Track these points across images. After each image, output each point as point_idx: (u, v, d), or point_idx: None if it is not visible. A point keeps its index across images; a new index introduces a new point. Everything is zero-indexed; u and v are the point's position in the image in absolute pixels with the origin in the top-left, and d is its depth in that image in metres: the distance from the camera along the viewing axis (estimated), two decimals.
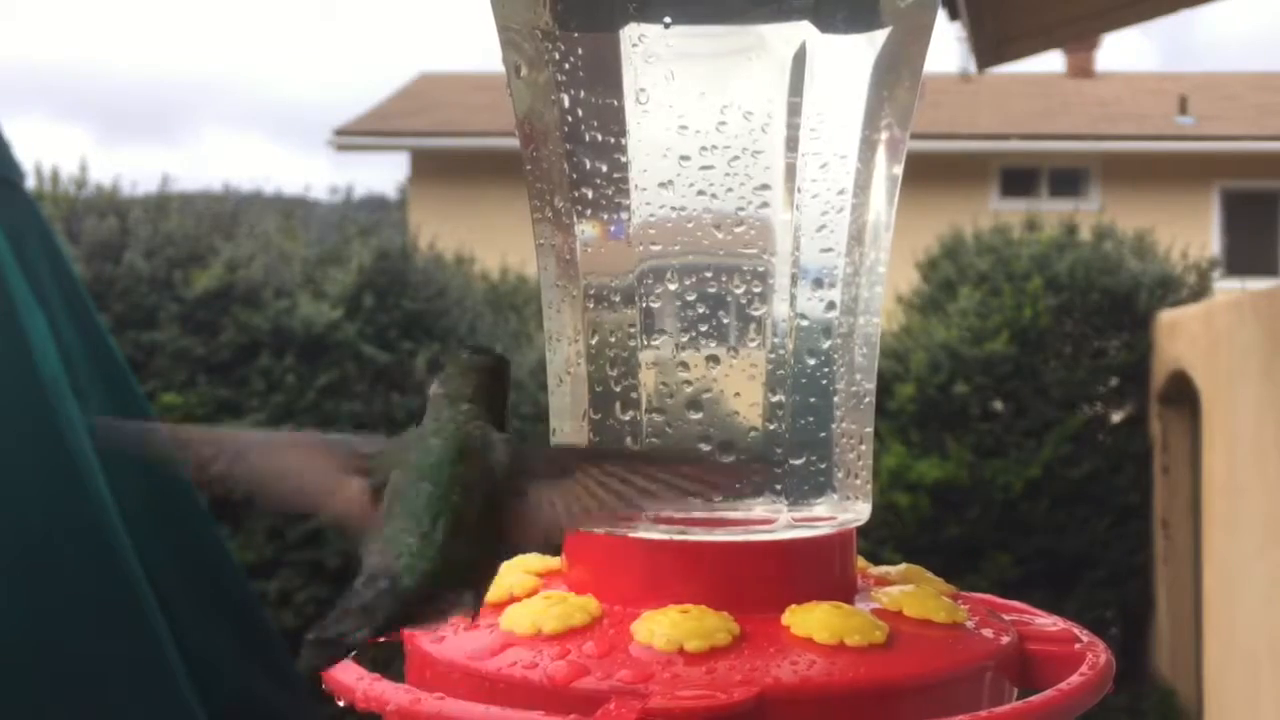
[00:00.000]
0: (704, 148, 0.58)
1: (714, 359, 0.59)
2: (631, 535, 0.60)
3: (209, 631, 2.79)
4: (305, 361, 6.15)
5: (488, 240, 8.12)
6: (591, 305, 0.61)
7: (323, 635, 0.45)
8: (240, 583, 3.24)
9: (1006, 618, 0.63)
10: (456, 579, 0.48)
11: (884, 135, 0.63)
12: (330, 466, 0.52)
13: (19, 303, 2.55)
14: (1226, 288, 7.79)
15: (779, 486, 0.60)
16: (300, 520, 6.06)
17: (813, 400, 0.61)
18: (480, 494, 0.49)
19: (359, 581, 0.48)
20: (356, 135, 13.78)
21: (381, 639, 0.49)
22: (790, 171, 0.59)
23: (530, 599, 0.59)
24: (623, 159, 0.59)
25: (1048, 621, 0.63)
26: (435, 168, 13.36)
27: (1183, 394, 5.54)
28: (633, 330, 0.60)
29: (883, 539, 5.85)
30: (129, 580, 2.56)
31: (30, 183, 3.88)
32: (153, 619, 2.57)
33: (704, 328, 0.59)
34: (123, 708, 2.53)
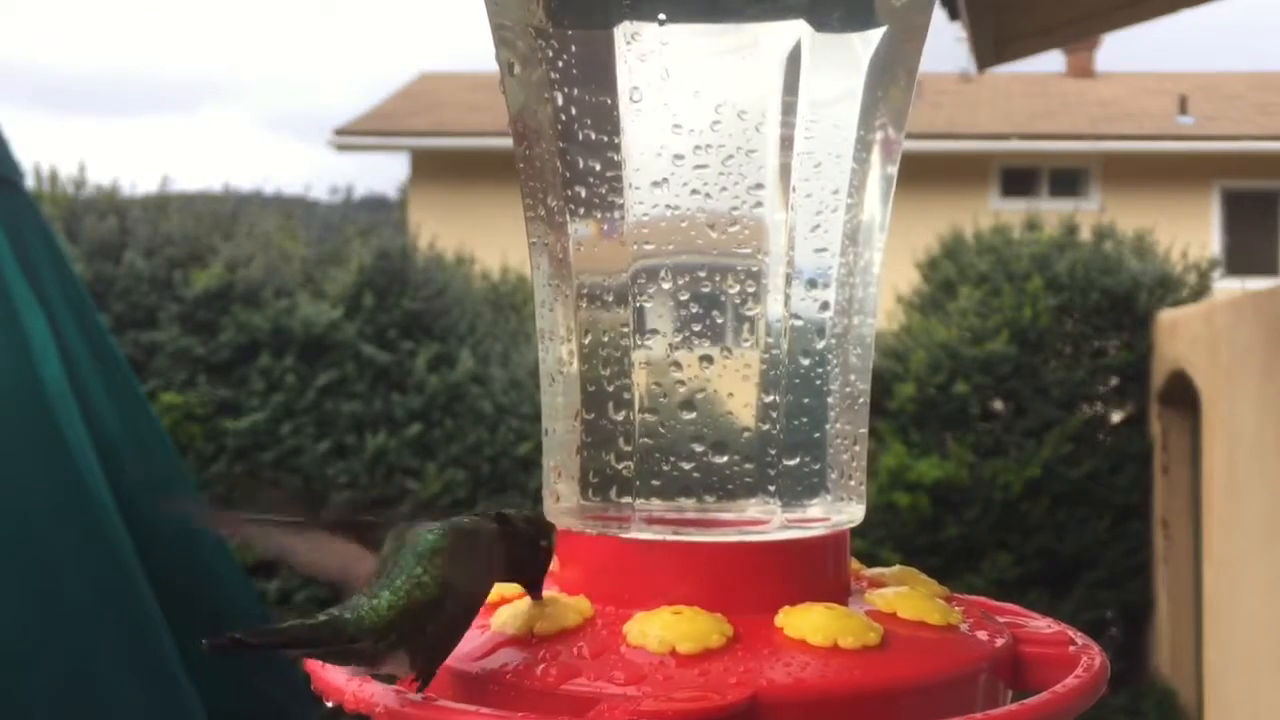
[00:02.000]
0: (698, 147, 0.58)
1: (707, 359, 0.59)
2: (624, 536, 0.59)
3: (209, 632, 2.79)
4: (305, 361, 6.15)
5: (488, 240, 8.11)
6: (584, 304, 0.61)
7: (239, 636, 0.48)
8: (240, 582, 3.24)
9: (1000, 620, 0.63)
10: (391, 641, 0.51)
11: (879, 135, 0.63)
12: (355, 547, 0.56)
13: (19, 303, 2.55)
14: (1226, 288, 7.79)
15: (773, 487, 0.59)
16: None
17: (807, 401, 0.61)
18: (448, 582, 0.53)
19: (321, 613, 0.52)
20: (356, 135, 13.78)
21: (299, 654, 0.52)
22: (784, 171, 0.59)
23: (521, 600, 0.59)
24: (616, 157, 0.59)
25: (1042, 624, 0.63)
26: (435, 168, 13.36)
27: (1183, 394, 5.54)
28: (626, 330, 0.59)
29: (882, 539, 5.85)
30: (129, 580, 2.56)
31: (30, 183, 3.88)
32: (153, 619, 2.57)
33: (698, 327, 0.59)
34: (123, 707, 2.52)
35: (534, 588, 0.58)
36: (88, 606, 2.52)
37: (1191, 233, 9.15)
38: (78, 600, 2.51)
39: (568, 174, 0.60)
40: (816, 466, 0.61)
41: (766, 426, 0.60)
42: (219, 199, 7.69)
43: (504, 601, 0.60)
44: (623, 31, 0.57)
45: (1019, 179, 13.14)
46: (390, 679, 0.54)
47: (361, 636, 0.50)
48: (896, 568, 0.66)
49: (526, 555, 0.57)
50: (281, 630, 0.50)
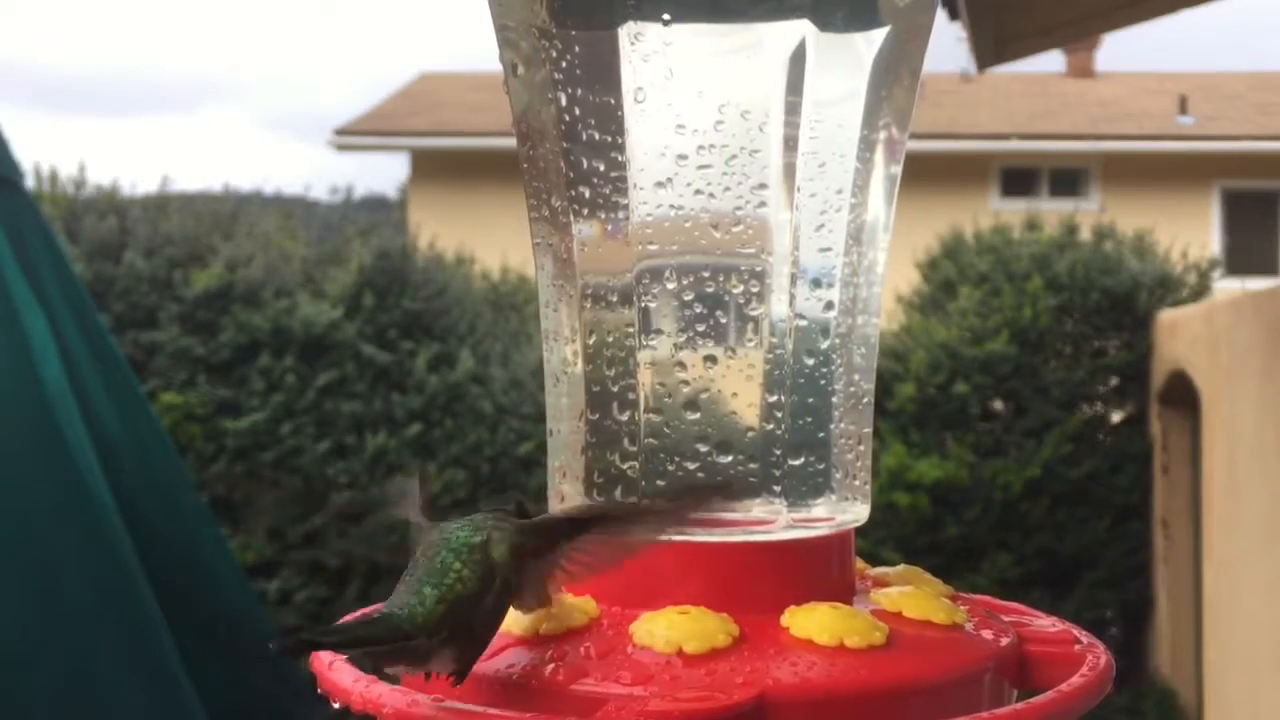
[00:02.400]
0: (702, 147, 0.58)
1: (712, 359, 0.59)
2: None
3: (209, 632, 2.80)
4: (305, 361, 6.15)
5: (488, 240, 8.12)
6: (589, 304, 0.61)
7: (305, 637, 0.49)
8: (240, 583, 3.24)
9: (1005, 619, 0.63)
10: (443, 637, 0.52)
11: (882, 135, 0.63)
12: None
13: (19, 303, 2.55)
14: (1226, 288, 7.79)
15: (777, 487, 0.60)
16: (300, 520, 6.06)
17: (811, 401, 0.61)
18: (485, 577, 0.54)
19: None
20: (356, 135, 13.78)
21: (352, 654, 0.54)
22: (788, 171, 0.59)
23: None
24: (620, 158, 0.59)
25: (1047, 623, 0.63)
26: (435, 168, 13.36)
27: (1183, 394, 5.54)
28: (630, 330, 0.59)
29: (882, 539, 5.85)
30: (129, 580, 2.56)
31: (30, 183, 3.88)
32: (153, 619, 2.57)
33: (702, 328, 0.59)
34: (123, 707, 2.53)
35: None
36: (88, 606, 2.52)
37: (1191, 233, 9.15)
38: (78, 600, 2.51)
39: (572, 174, 0.60)
40: (821, 466, 0.61)
41: (771, 426, 0.60)
42: (219, 199, 7.69)
43: None
44: (627, 32, 0.57)
45: (1019, 179, 13.14)
46: (396, 679, 0.54)
47: (416, 633, 0.51)
48: (901, 567, 0.66)
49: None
50: (344, 629, 0.51)
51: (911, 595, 0.60)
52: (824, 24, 0.58)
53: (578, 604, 0.58)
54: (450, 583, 0.52)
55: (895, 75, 0.62)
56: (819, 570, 0.61)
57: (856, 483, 0.63)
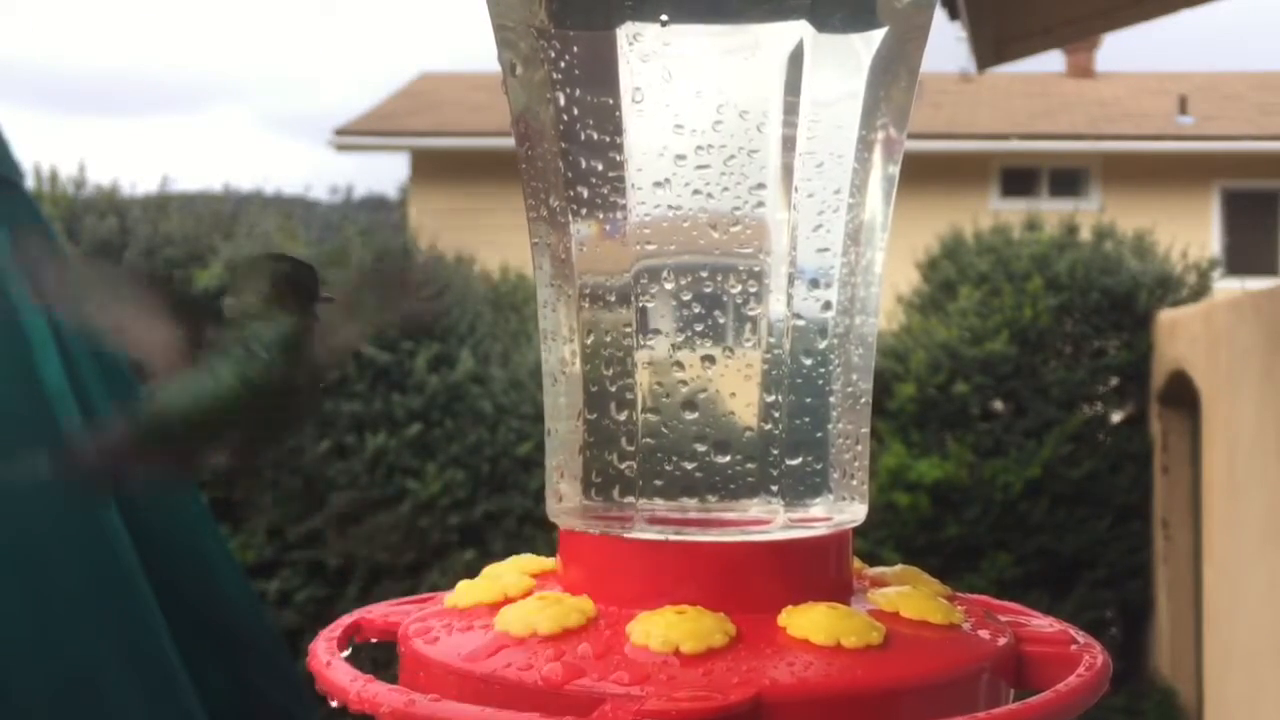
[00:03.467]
0: (700, 147, 0.58)
1: (709, 359, 0.59)
2: (627, 536, 0.60)
3: (209, 632, 2.79)
4: None
5: (488, 240, 8.12)
6: (587, 304, 0.61)
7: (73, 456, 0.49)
8: (240, 583, 3.24)
9: (1002, 619, 0.63)
10: (206, 435, 0.51)
11: (881, 135, 0.63)
12: (163, 321, 0.56)
13: (19, 302, 2.55)
14: (1226, 287, 7.79)
15: (775, 487, 0.60)
16: (300, 520, 6.05)
17: (809, 400, 0.61)
18: (265, 380, 0.53)
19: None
20: (356, 135, 13.78)
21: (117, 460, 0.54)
22: (786, 171, 0.59)
23: (525, 600, 0.59)
24: (618, 158, 0.59)
25: (1044, 623, 0.63)
26: (435, 168, 13.36)
27: (1183, 394, 5.54)
28: (628, 330, 0.60)
29: (882, 539, 5.86)
30: (129, 580, 2.56)
31: (30, 183, 3.88)
32: (152, 619, 2.57)
33: (700, 327, 0.59)
34: (123, 708, 2.52)
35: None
36: (88, 606, 2.52)
37: (1191, 233, 9.15)
38: (78, 600, 2.51)
39: (570, 174, 0.60)
40: (819, 466, 0.61)
41: (769, 426, 0.60)
42: (219, 199, 7.70)
43: (508, 601, 0.60)
44: (625, 32, 0.58)
45: (1019, 179, 13.14)
46: (395, 679, 0.54)
47: (161, 424, 0.50)
48: (899, 567, 0.66)
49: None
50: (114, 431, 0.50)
51: (908, 595, 0.60)
52: (822, 25, 0.58)
53: (575, 604, 0.58)
54: (226, 376, 0.51)
55: (893, 75, 0.63)
56: (816, 570, 0.61)
57: (854, 482, 0.63)
